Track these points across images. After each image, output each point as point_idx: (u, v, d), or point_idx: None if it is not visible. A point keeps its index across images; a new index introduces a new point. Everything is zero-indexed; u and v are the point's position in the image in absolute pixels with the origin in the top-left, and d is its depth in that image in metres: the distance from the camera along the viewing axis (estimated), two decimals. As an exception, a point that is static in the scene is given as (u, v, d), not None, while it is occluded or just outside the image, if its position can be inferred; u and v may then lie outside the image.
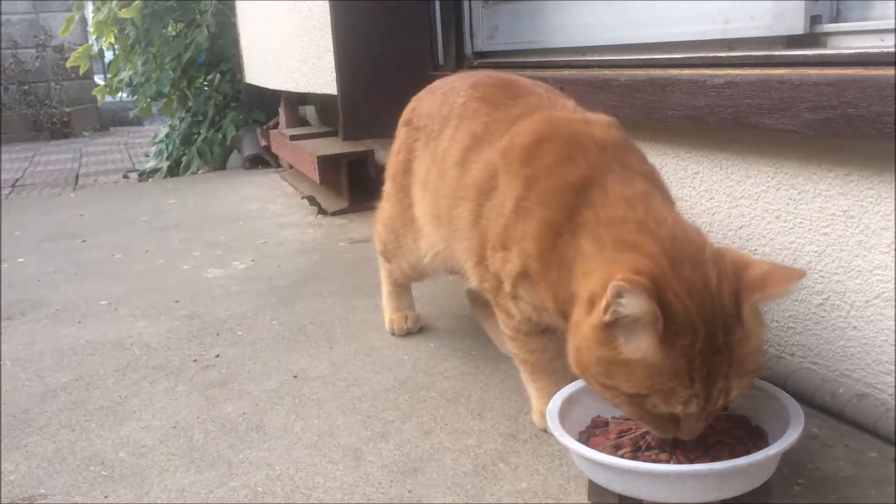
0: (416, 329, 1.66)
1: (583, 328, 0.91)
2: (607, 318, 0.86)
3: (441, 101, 1.39)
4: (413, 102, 1.51)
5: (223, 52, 4.58)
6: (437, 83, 1.48)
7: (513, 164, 1.11)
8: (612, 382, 0.89)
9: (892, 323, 1.12)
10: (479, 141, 1.23)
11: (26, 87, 8.32)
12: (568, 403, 1.05)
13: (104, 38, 4.99)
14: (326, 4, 2.41)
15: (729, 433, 0.97)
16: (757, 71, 1.23)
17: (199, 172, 4.48)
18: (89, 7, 5.55)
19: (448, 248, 1.33)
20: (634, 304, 0.83)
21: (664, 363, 0.84)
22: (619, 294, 0.83)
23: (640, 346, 0.85)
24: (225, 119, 4.52)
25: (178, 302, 1.98)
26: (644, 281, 0.83)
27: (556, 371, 1.19)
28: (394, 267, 1.59)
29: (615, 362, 0.88)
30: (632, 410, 0.91)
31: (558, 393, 1.07)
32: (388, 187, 1.56)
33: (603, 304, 0.86)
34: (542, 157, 1.08)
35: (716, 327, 0.84)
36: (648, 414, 0.90)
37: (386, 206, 1.57)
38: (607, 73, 1.58)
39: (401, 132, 1.50)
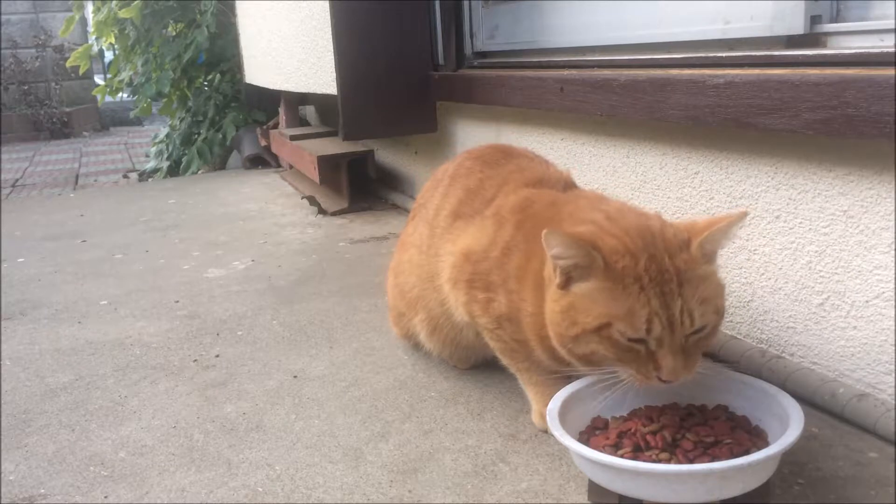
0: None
1: (548, 299, 1.02)
2: (558, 279, 0.98)
3: (434, 175, 1.46)
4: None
5: (223, 52, 4.58)
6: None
7: (505, 215, 1.18)
8: (577, 328, 0.96)
9: (892, 323, 1.12)
10: (473, 195, 1.29)
11: (26, 87, 8.33)
12: (568, 404, 1.05)
13: (104, 38, 4.99)
14: (326, 4, 2.41)
15: (729, 433, 0.97)
16: (757, 71, 1.23)
17: (199, 172, 4.48)
18: (89, 7, 5.55)
19: (444, 308, 1.29)
20: (570, 252, 0.95)
21: (614, 286, 0.93)
22: (549, 244, 0.95)
23: (590, 284, 0.95)
24: (225, 119, 4.52)
25: (178, 302, 1.98)
26: (569, 230, 0.97)
27: (553, 373, 1.20)
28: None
29: (574, 306, 0.96)
30: (607, 349, 0.95)
31: (558, 394, 1.07)
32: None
33: (550, 268, 0.99)
34: (530, 208, 1.18)
35: (659, 253, 0.94)
36: (624, 351, 0.94)
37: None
38: (607, 73, 1.58)
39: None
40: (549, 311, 1.01)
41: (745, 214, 0.97)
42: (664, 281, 0.92)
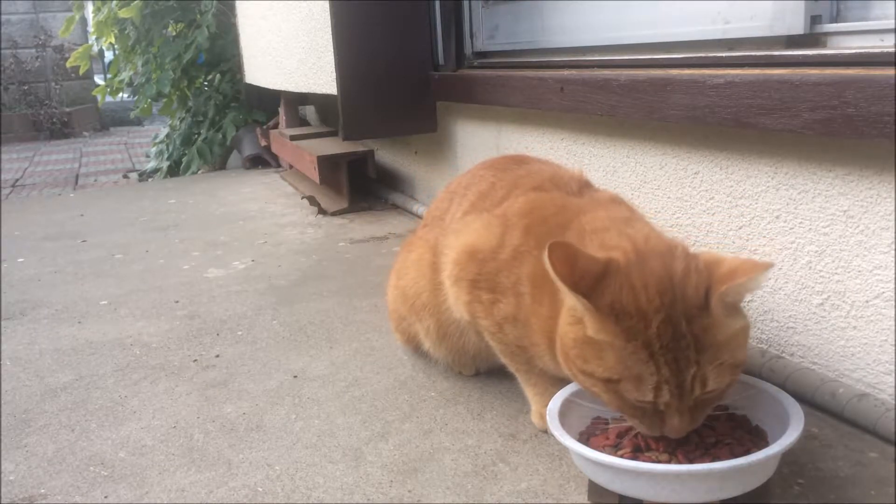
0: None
1: (562, 316, 0.97)
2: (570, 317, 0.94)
3: (448, 187, 1.45)
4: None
5: (223, 53, 4.58)
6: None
7: (511, 219, 1.17)
8: (588, 367, 0.92)
9: (892, 323, 1.12)
10: (484, 196, 1.28)
11: (26, 87, 8.34)
12: (568, 404, 1.05)
13: (104, 39, 4.99)
14: (326, 4, 2.41)
15: (729, 433, 0.97)
16: (757, 71, 1.23)
17: (199, 172, 4.48)
18: (89, 7, 5.55)
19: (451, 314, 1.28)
20: (579, 307, 0.90)
21: (625, 346, 0.87)
22: (559, 289, 0.91)
23: (602, 335, 0.90)
24: (225, 119, 4.52)
25: (178, 302, 1.98)
26: (561, 244, 0.90)
27: (553, 374, 1.20)
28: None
29: (587, 343, 0.91)
30: (612, 400, 0.92)
31: (558, 394, 1.07)
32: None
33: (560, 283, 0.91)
34: (538, 211, 1.16)
35: (677, 315, 0.87)
36: (630, 406, 0.91)
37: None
38: (607, 73, 1.58)
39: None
40: (563, 333, 0.96)
41: (770, 265, 0.89)
42: (679, 348, 0.86)
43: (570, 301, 0.93)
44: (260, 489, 1.12)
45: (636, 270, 0.90)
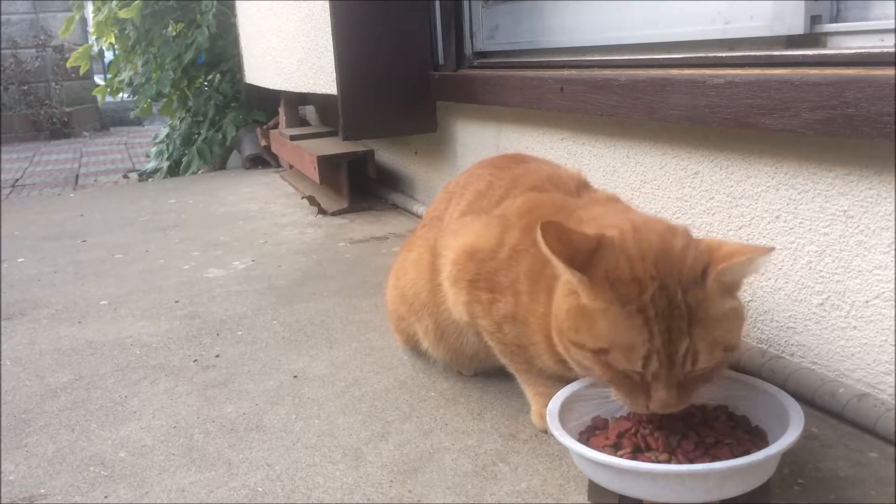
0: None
1: (557, 290, 0.98)
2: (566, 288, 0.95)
3: (446, 187, 1.44)
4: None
5: (223, 53, 4.58)
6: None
7: (510, 219, 1.17)
8: (579, 338, 0.92)
9: (892, 323, 1.12)
10: (482, 196, 1.28)
11: (26, 87, 8.34)
12: (568, 404, 1.05)
13: (104, 39, 4.99)
14: (326, 4, 2.41)
15: (729, 433, 0.97)
16: (757, 71, 1.23)
17: (199, 172, 4.48)
18: (89, 7, 5.55)
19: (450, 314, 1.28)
20: (571, 277, 0.91)
21: (618, 312, 0.88)
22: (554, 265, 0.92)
23: (596, 303, 0.90)
24: (225, 119, 4.52)
25: (178, 302, 1.98)
26: (552, 222, 0.90)
27: (552, 374, 1.20)
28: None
29: (580, 313, 0.92)
30: (603, 373, 0.92)
31: (558, 394, 1.07)
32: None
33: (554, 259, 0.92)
34: (536, 211, 1.16)
35: (673, 285, 0.88)
36: (620, 377, 0.91)
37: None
38: (607, 73, 1.58)
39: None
40: (556, 307, 0.97)
41: (770, 250, 0.89)
42: (672, 317, 0.86)
43: (566, 276, 0.93)
44: (260, 489, 1.12)
45: (633, 244, 0.92)
